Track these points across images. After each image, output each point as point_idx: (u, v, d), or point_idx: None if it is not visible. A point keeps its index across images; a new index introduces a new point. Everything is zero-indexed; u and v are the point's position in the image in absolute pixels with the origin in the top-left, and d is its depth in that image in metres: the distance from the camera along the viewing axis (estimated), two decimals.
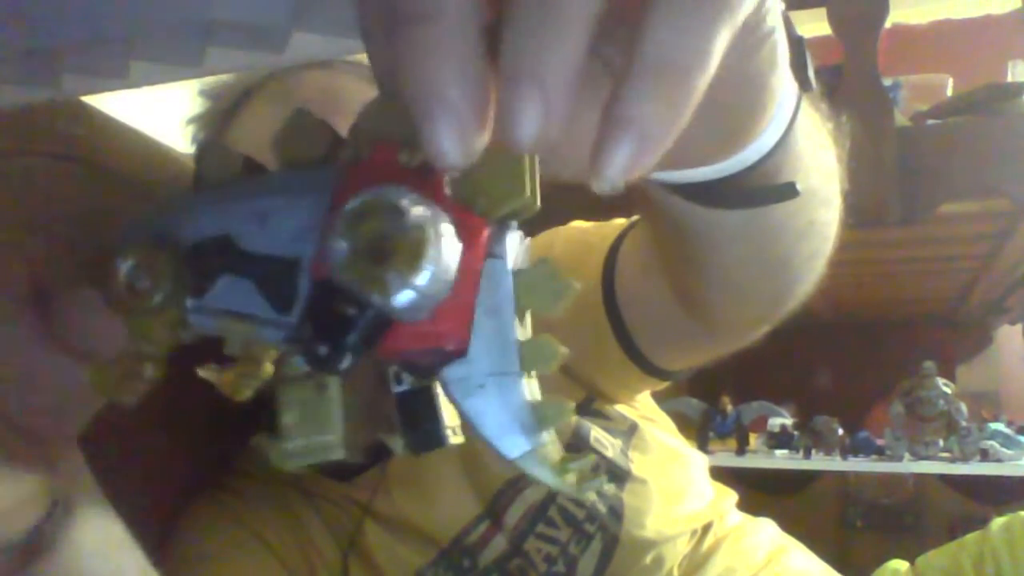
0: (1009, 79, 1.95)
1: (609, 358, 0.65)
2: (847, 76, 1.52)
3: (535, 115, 0.19)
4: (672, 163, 0.33)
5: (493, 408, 0.21)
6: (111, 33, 0.27)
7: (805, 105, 0.34)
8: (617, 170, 0.20)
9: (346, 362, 0.21)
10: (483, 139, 0.20)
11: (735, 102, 0.29)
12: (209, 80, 0.71)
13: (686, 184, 0.35)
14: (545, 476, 0.22)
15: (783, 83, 0.31)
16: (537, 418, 0.21)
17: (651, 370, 0.66)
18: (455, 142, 0.20)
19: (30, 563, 0.30)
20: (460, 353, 0.21)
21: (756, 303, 0.51)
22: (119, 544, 0.38)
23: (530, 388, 0.22)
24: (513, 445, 0.22)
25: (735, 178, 0.34)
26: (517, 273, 0.22)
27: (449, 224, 0.21)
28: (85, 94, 0.38)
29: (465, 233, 0.21)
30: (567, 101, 0.20)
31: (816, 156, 0.39)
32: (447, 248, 0.21)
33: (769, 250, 0.43)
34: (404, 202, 0.20)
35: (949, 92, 1.88)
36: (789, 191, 0.35)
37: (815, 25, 1.62)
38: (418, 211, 0.20)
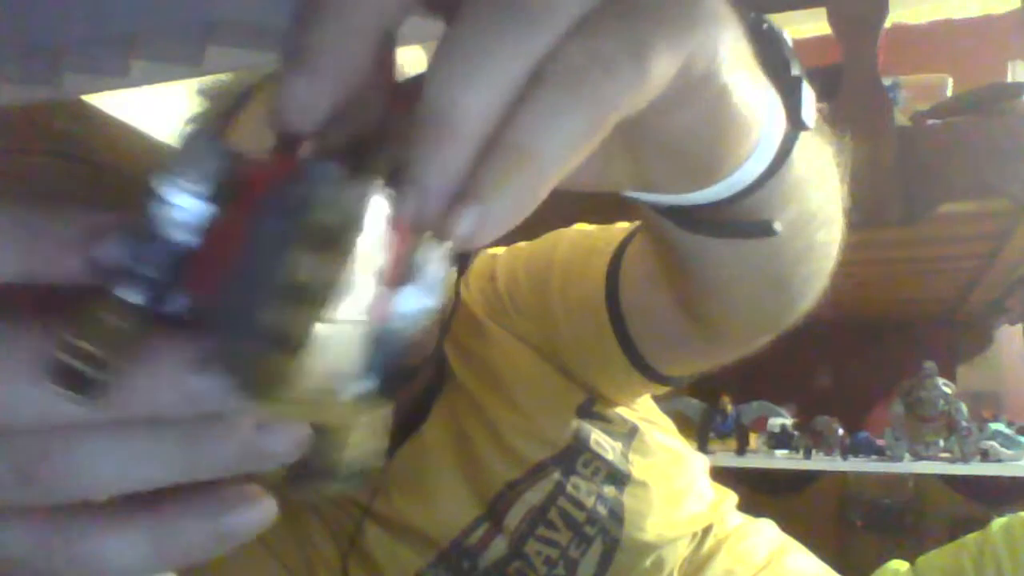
0: (1009, 79, 1.95)
1: (611, 362, 0.65)
2: (847, 76, 1.52)
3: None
4: (642, 186, 0.33)
5: None
6: (112, 32, 0.27)
7: (805, 136, 0.34)
8: (462, 237, 0.20)
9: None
10: (323, 111, 0.21)
11: (688, 148, 0.29)
12: (208, 80, 0.71)
13: (666, 205, 0.35)
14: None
15: (753, 127, 0.30)
16: None
17: (653, 375, 0.66)
18: (304, 97, 0.20)
19: None
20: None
21: (755, 317, 0.51)
22: None
23: None
24: None
25: (710, 208, 0.34)
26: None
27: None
28: (86, 93, 0.38)
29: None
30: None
31: (815, 182, 0.39)
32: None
33: (765, 271, 0.43)
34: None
35: (949, 92, 1.88)
36: (765, 229, 0.35)
37: (815, 25, 1.62)
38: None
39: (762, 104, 0.30)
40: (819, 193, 0.40)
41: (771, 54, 0.31)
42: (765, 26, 0.32)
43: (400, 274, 0.21)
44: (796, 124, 0.32)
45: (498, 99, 0.20)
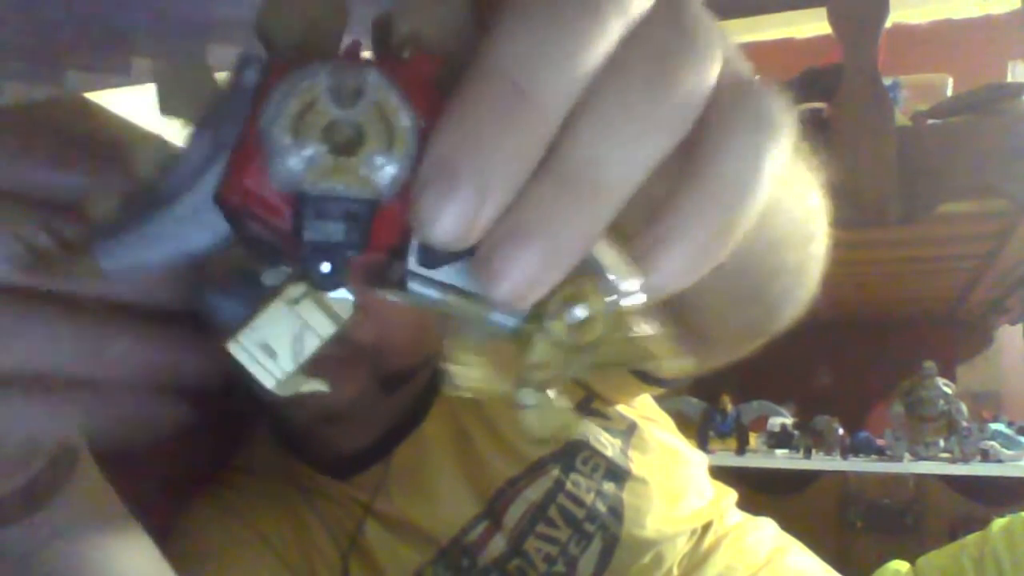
0: (1009, 79, 1.95)
1: (611, 371, 0.65)
2: (847, 76, 1.52)
3: (525, 276, 0.18)
4: None
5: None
6: (113, 31, 0.28)
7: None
8: (664, 281, 0.19)
9: (348, 273, 0.19)
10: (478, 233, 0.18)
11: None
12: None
13: None
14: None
15: None
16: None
17: (648, 378, 0.66)
18: (464, 223, 0.17)
19: (33, 510, 0.30)
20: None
21: (737, 326, 0.51)
22: (118, 510, 0.38)
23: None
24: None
25: None
26: None
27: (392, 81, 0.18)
28: (88, 91, 0.38)
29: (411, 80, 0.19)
30: (565, 268, 0.18)
31: (782, 209, 0.39)
32: (404, 102, 0.18)
33: (735, 286, 0.43)
34: (340, 75, 0.18)
35: (949, 92, 1.88)
36: None
37: (815, 25, 1.62)
38: (362, 77, 0.18)
39: None
40: (787, 218, 0.40)
41: None
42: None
43: None
44: None
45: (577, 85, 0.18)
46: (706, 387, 2.15)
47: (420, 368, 0.67)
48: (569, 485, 0.68)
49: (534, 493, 0.67)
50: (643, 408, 0.76)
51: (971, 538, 0.83)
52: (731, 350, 0.57)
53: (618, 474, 0.69)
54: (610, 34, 0.18)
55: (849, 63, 1.53)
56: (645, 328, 0.20)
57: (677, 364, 0.22)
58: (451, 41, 0.19)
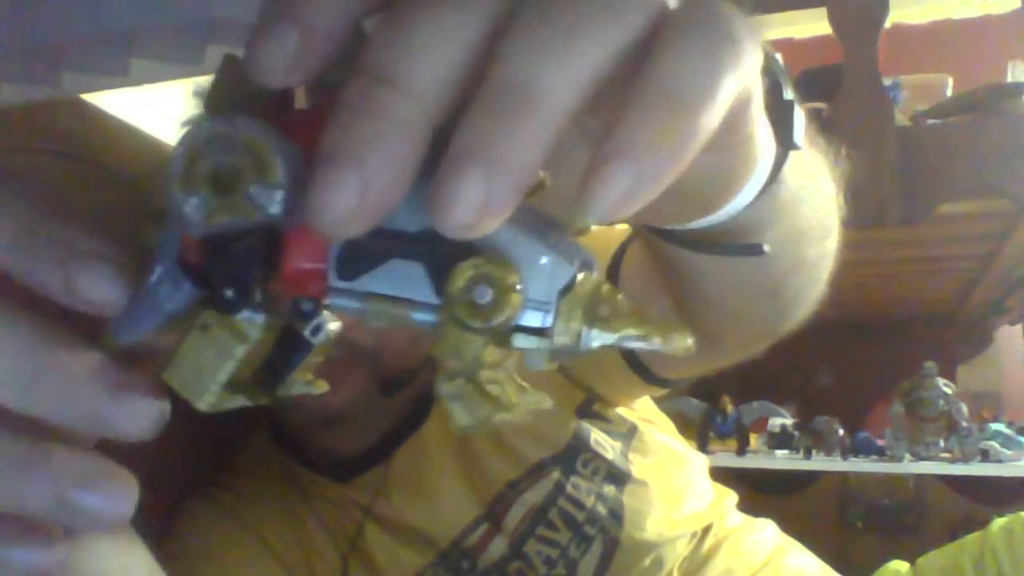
0: (1009, 79, 1.95)
1: (610, 364, 0.65)
2: (847, 76, 1.52)
3: (472, 200, 0.17)
4: (643, 221, 0.33)
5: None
6: (112, 31, 0.27)
7: (794, 155, 0.33)
8: (607, 205, 0.18)
9: (256, 295, 0.21)
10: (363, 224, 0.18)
11: (703, 191, 0.29)
12: (203, 81, 0.71)
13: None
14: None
15: (758, 153, 0.30)
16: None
17: (651, 378, 0.66)
18: (346, 209, 0.18)
19: None
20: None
21: (749, 326, 0.52)
22: (128, 539, 0.38)
23: None
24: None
25: (704, 230, 0.34)
26: None
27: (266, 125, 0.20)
28: (86, 92, 0.38)
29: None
30: (516, 191, 0.18)
31: (807, 198, 0.39)
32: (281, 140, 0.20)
33: (754, 283, 0.43)
34: (217, 126, 0.20)
35: (949, 92, 1.88)
36: (754, 249, 0.35)
37: (815, 25, 1.62)
38: (232, 123, 0.20)
39: (765, 132, 0.29)
40: (810, 209, 0.40)
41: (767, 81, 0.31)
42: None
43: None
44: (787, 146, 0.32)
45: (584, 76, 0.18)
46: (706, 388, 2.15)
47: (419, 370, 0.67)
48: (569, 488, 0.67)
49: (534, 496, 0.67)
50: (643, 410, 0.76)
51: (971, 538, 0.83)
52: (740, 351, 0.57)
53: (618, 477, 0.69)
54: None
55: (849, 63, 1.53)
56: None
57: (676, 345, 0.22)
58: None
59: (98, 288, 0.20)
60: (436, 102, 0.18)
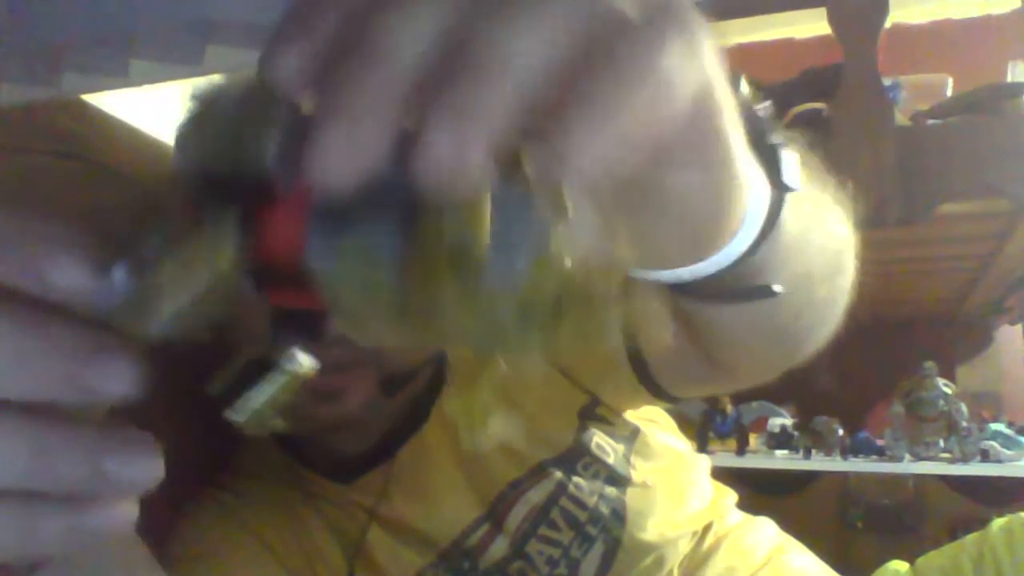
0: (1009, 79, 1.95)
1: (621, 380, 0.66)
2: (847, 76, 1.52)
3: (449, 147, 0.19)
4: (644, 264, 0.33)
5: None
6: (111, 32, 0.27)
7: (796, 197, 0.34)
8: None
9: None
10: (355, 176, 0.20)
11: (691, 209, 0.30)
12: (201, 84, 0.71)
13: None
14: None
15: (745, 191, 0.31)
16: None
17: (661, 394, 0.67)
18: (340, 155, 0.20)
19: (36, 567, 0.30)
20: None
21: (761, 362, 0.53)
22: (132, 546, 0.38)
23: None
24: None
25: (709, 279, 0.34)
26: None
27: None
28: (86, 92, 0.38)
29: None
30: (484, 141, 0.20)
31: (811, 240, 0.39)
32: None
33: (764, 326, 0.44)
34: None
35: (949, 92, 1.88)
36: (765, 292, 0.36)
37: (815, 25, 1.62)
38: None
39: (750, 168, 0.31)
40: (817, 251, 0.41)
41: (748, 123, 0.32)
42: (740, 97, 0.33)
43: None
44: (780, 188, 0.33)
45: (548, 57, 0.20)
46: None
47: (420, 369, 0.67)
48: (572, 488, 0.67)
49: (536, 495, 0.67)
50: (645, 410, 0.76)
51: (971, 538, 0.83)
52: (753, 380, 0.58)
53: (619, 480, 0.69)
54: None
55: (849, 63, 1.53)
56: None
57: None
58: None
59: (68, 275, 0.21)
60: (414, 68, 0.20)
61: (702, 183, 0.29)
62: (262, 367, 0.25)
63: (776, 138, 0.33)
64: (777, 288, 0.36)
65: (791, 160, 0.33)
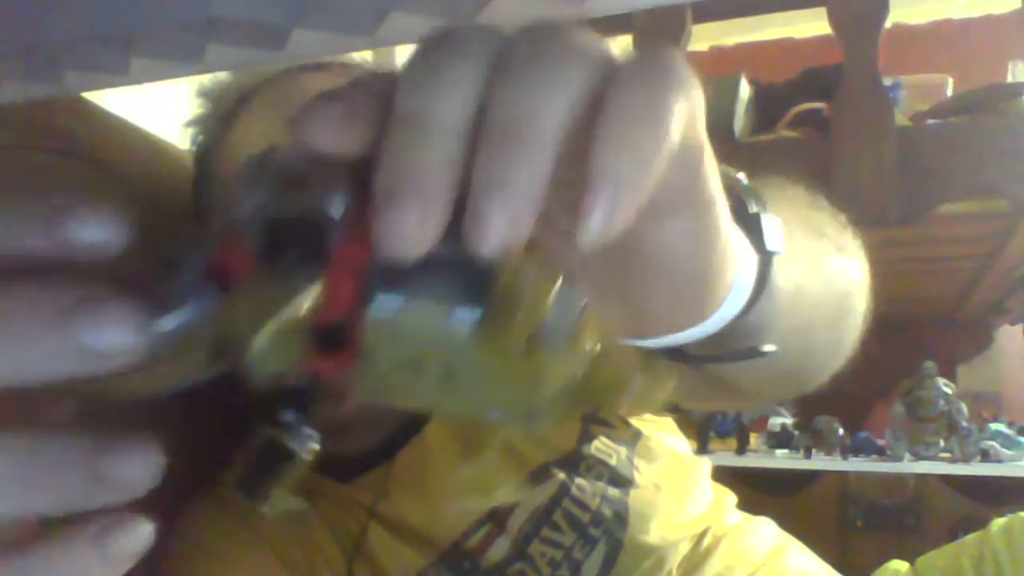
0: (1009, 79, 1.95)
1: None
2: (847, 76, 1.52)
3: (503, 221, 0.20)
4: (637, 331, 0.34)
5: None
6: (112, 30, 0.27)
7: (787, 256, 0.35)
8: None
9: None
10: (432, 236, 0.21)
11: (682, 270, 0.30)
12: (207, 82, 0.71)
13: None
14: None
15: (733, 252, 0.32)
16: None
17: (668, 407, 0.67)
18: (416, 228, 0.21)
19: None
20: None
21: (768, 395, 0.52)
22: None
23: None
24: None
25: (701, 343, 0.34)
26: None
27: None
28: (86, 91, 0.38)
29: None
30: (532, 210, 0.21)
31: (807, 294, 0.40)
32: None
33: (765, 373, 0.44)
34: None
35: (949, 92, 1.88)
36: (753, 353, 0.36)
37: (815, 25, 1.62)
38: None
39: (736, 234, 0.32)
40: (813, 302, 0.41)
41: (729, 191, 0.33)
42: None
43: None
44: (765, 252, 0.34)
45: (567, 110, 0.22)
46: None
47: None
48: (574, 489, 0.67)
49: (539, 497, 0.67)
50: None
51: (971, 538, 0.83)
52: (761, 404, 0.58)
53: (622, 482, 0.69)
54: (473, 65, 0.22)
55: (849, 63, 1.53)
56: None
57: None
58: None
59: (91, 231, 0.20)
60: (460, 138, 0.22)
61: (695, 245, 0.30)
62: (276, 453, 0.24)
63: (754, 207, 0.34)
64: (768, 348, 0.36)
65: (773, 226, 0.35)
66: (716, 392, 0.51)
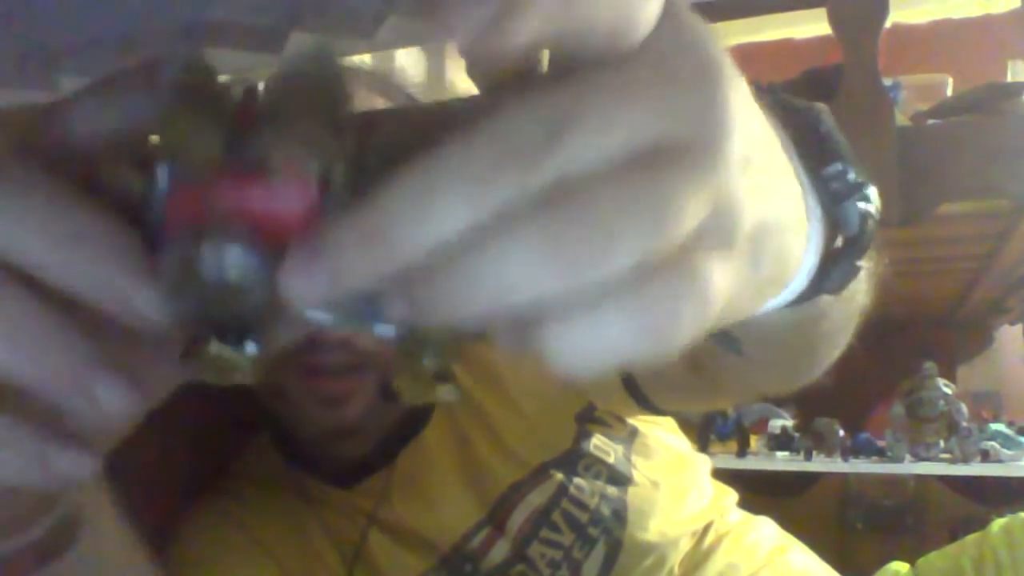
0: (1009, 79, 1.95)
1: (611, 393, 0.65)
2: (847, 76, 1.52)
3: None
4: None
5: None
6: (108, 34, 0.27)
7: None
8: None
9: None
10: None
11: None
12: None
13: None
14: None
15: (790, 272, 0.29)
16: None
17: (647, 406, 0.67)
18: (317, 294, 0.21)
19: (45, 563, 0.30)
20: None
21: (754, 390, 0.53)
22: (131, 549, 0.38)
23: None
24: None
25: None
26: None
27: None
28: None
29: None
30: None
31: (827, 315, 0.39)
32: None
33: (759, 364, 0.44)
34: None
35: (949, 92, 1.88)
36: (733, 346, 0.34)
37: (815, 25, 1.62)
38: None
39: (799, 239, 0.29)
40: (828, 322, 0.41)
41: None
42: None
43: None
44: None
45: None
46: None
47: None
48: (573, 489, 0.67)
49: (538, 498, 0.67)
50: None
51: (971, 538, 0.83)
52: (745, 399, 0.58)
53: (620, 480, 0.69)
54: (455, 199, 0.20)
55: (849, 63, 1.52)
56: None
57: None
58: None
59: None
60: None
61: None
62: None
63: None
64: (742, 348, 0.34)
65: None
66: (708, 386, 0.51)
